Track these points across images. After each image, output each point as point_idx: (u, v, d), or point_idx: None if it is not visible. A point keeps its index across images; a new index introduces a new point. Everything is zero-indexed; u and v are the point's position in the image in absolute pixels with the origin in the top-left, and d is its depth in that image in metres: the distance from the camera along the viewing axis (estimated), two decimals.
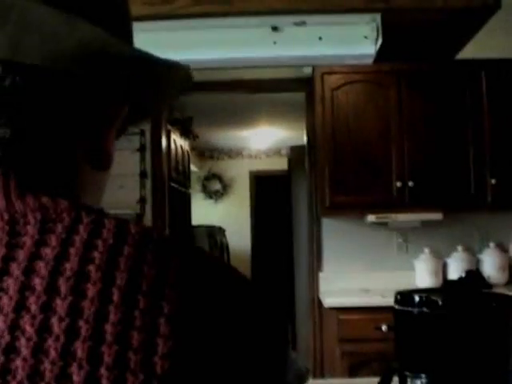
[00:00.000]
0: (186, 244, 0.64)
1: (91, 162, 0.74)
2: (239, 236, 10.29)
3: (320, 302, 4.78)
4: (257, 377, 0.60)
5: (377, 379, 1.62)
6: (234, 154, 10.48)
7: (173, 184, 6.04)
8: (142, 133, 5.16)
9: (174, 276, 0.58)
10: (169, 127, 5.88)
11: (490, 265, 4.76)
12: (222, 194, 10.57)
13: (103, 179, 0.79)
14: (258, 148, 10.11)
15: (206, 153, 10.43)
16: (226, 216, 10.41)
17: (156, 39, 3.11)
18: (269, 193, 10.22)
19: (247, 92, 5.65)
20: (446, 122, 4.59)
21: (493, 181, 4.52)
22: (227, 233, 9.63)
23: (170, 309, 0.56)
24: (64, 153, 0.70)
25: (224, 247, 9.26)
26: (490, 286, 4.57)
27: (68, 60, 0.65)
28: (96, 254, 0.58)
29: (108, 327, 0.54)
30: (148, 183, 5.17)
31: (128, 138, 5.11)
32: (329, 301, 4.41)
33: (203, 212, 9.99)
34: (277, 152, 10.36)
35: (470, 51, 4.23)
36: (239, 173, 10.38)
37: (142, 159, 5.17)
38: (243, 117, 7.92)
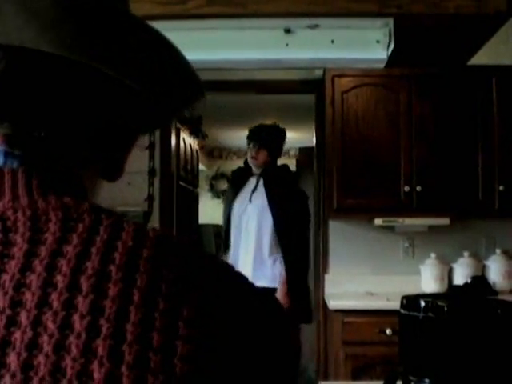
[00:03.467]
0: (203, 249, 0.66)
1: (104, 173, 0.76)
2: None
3: (325, 304, 4.78)
4: (270, 380, 0.62)
5: (380, 383, 1.63)
6: (242, 153, 10.45)
7: (181, 182, 6.05)
8: None
9: (193, 280, 0.59)
10: (178, 126, 5.90)
11: (496, 271, 4.75)
12: None
13: (103, 185, 0.81)
14: None
15: (215, 152, 10.44)
16: None
17: (168, 38, 3.12)
18: None
19: (257, 93, 5.65)
20: (455, 128, 4.58)
21: (501, 187, 4.51)
22: None
23: (189, 312, 0.57)
24: (85, 162, 0.72)
25: None
26: (495, 292, 4.56)
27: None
28: (116, 255, 0.59)
29: (129, 327, 0.54)
30: (156, 181, 5.17)
31: None
32: (334, 303, 4.41)
33: (210, 211, 10.00)
34: (285, 153, 10.34)
35: (482, 57, 4.22)
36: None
37: (151, 157, 5.17)
38: (253, 117, 7.90)
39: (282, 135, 5.13)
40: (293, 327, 0.68)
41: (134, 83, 0.70)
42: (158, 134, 5.17)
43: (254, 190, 4.83)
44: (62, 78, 0.67)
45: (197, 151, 7.42)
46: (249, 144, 4.95)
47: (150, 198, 5.14)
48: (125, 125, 0.74)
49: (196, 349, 0.55)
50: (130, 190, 5.04)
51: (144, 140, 5.14)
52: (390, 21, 2.98)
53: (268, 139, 4.91)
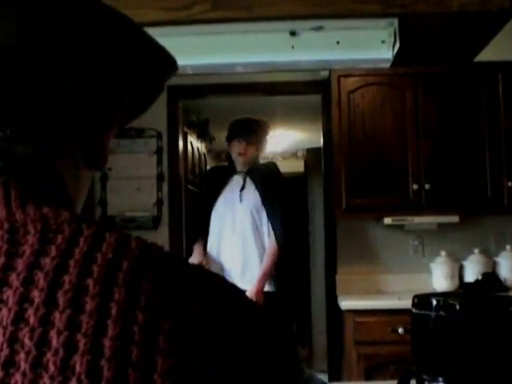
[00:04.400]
0: (186, 261, 0.64)
1: (88, 163, 0.74)
2: None
3: (336, 305, 4.78)
4: None
5: (394, 382, 1.63)
6: None
7: (189, 186, 6.06)
8: (159, 135, 5.19)
9: (173, 293, 0.58)
10: (185, 129, 5.90)
11: (507, 267, 4.74)
12: None
13: (90, 176, 0.79)
14: (275, 150, 10.09)
15: (223, 155, 10.42)
16: None
17: (174, 44, 3.12)
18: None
19: (264, 94, 5.66)
20: (462, 125, 4.58)
21: (509, 183, 4.51)
22: None
23: (169, 326, 0.55)
24: (65, 157, 0.70)
25: None
26: (506, 288, 4.56)
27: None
28: (95, 268, 0.57)
29: (107, 341, 0.53)
30: (165, 186, 5.18)
31: (145, 140, 5.14)
32: (345, 303, 4.41)
33: None
34: (293, 154, 10.35)
35: (488, 54, 4.22)
36: None
37: (159, 162, 5.18)
38: None
39: (268, 129, 4.91)
40: (283, 334, 0.65)
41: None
42: (165, 138, 5.19)
43: (242, 189, 4.56)
44: (12, 65, 0.65)
45: (204, 154, 7.43)
46: (232, 140, 4.69)
47: (159, 203, 5.15)
48: (96, 104, 0.72)
49: (177, 364, 0.54)
50: (138, 196, 5.06)
51: (152, 145, 5.16)
52: (395, 21, 2.98)
53: (257, 134, 4.70)
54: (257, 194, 4.50)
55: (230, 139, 4.74)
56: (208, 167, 7.04)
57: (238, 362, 0.58)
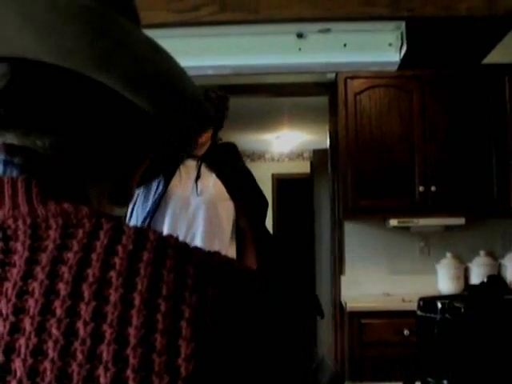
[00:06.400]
0: (202, 249, 0.66)
1: (111, 196, 0.77)
2: None
3: (342, 306, 4.79)
4: (277, 376, 0.62)
5: None
6: (256, 157, 10.47)
7: None
8: None
9: (193, 280, 0.59)
10: None
11: None
12: None
13: (112, 209, 0.80)
14: (281, 151, 10.10)
15: None
16: None
17: (183, 45, 3.14)
18: (291, 196, 10.21)
19: (270, 96, 5.66)
20: (469, 127, 4.58)
21: None
22: None
23: (191, 312, 0.57)
24: (90, 179, 0.73)
25: None
26: None
27: (140, 82, 0.69)
28: (117, 260, 0.59)
29: (131, 331, 0.55)
30: None
31: None
32: (351, 305, 4.42)
33: None
34: (299, 155, 10.35)
35: (495, 56, 4.21)
36: (262, 176, 10.27)
37: None
38: (266, 120, 7.92)
39: (227, 105, 3.75)
40: (298, 321, 0.67)
41: (145, 104, 0.70)
42: None
43: (197, 179, 3.52)
44: (68, 88, 0.68)
45: None
46: None
47: None
48: (131, 144, 0.75)
49: (200, 348, 0.56)
50: None
51: None
52: (402, 24, 2.98)
53: (216, 111, 3.53)
54: (220, 184, 3.55)
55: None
56: None
57: (254, 343, 0.60)
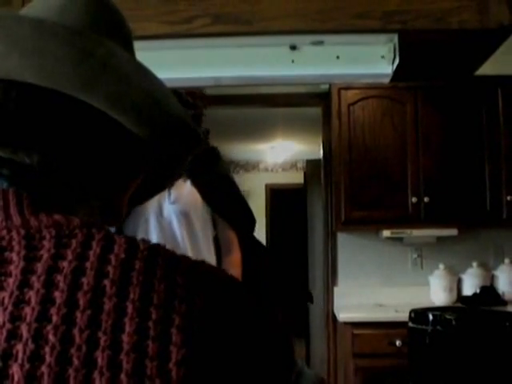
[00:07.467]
0: (190, 259, 0.68)
1: (101, 214, 0.79)
2: None
3: (334, 317, 4.79)
4: (264, 380, 0.64)
5: None
6: (250, 167, 10.49)
7: None
8: None
9: (182, 290, 0.62)
10: None
11: (505, 281, 4.75)
12: None
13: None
14: (274, 161, 10.12)
15: None
16: None
17: (175, 57, 3.14)
18: (285, 206, 10.22)
19: (264, 106, 5.68)
20: (462, 138, 4.59)
21: (508, 197, 4.52)
22: None
23: (180, 320, 0.59)
24: (78, 197, 0.75)
25: None
26: (504, 302, 4.57)
27: (130, 106, 0.71)
28: (110, 269, 0.61)
29: (125, 337, 0.57)
30: None
31: None
32: (343, 315, 4.42)
33: None
34: (293, 166, 10.37)
35: (488, 67, 4.23)
36: (255, 186, 10.36)
37: None
38: (260, 130, 7.94)
39: (202, 101, 3.42)
40: (284, 327, 0.70)
41: (130, 124, 0.72)
42: None
43: (170, 186, 2.72)
44: (55, 108, 0.70)
45: None
46: None
47: None
48: (118, 164, 0.76)
49: (190, 353, 0.58)
50: None
51: None
52: (395, 36, 3.00)
53: (191, 108, 3.19)
54: (194, 191, 3.33)
55: None
56: None
57: (240, 350, 0.62)
